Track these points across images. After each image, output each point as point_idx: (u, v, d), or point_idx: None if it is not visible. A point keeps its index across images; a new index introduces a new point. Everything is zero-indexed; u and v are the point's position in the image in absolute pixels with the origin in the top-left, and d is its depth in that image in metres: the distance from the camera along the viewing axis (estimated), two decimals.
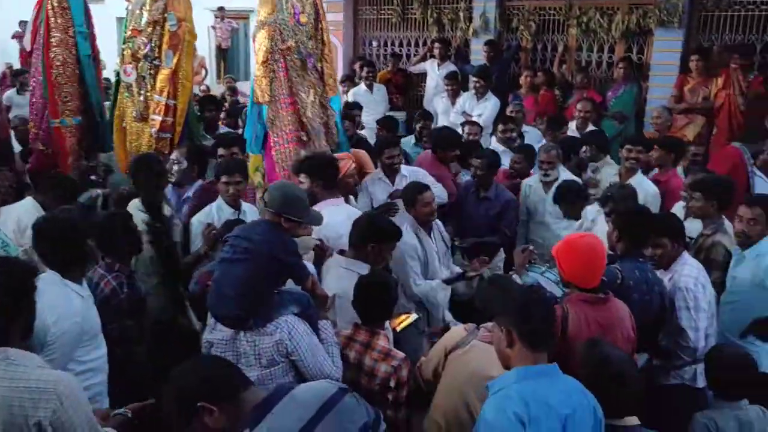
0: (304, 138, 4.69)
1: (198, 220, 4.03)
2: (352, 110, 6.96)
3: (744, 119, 6.79)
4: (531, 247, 3.75)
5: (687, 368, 3.35)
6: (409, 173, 5.00)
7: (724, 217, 4.03)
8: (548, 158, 5.10)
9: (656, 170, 5.31)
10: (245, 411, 1.84)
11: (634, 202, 4.02)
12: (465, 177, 5.41)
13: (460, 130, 6.45)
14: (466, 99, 7.64)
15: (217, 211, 4.03)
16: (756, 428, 2.73)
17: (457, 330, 2.82)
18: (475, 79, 7.53)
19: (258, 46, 4.60)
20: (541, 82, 7.92)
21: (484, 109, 7.40)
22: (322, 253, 3.53)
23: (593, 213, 4.37)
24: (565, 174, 5.16)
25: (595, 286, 2.88)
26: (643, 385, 3.20)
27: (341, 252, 3.45)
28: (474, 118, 7.30)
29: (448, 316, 4.08)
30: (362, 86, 8.41)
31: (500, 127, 6.25)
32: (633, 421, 2.35)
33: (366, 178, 5.08)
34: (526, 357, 2.17)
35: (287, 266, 2.82)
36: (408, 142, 6.58)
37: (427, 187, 4.17)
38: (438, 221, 4.32)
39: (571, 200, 4.61)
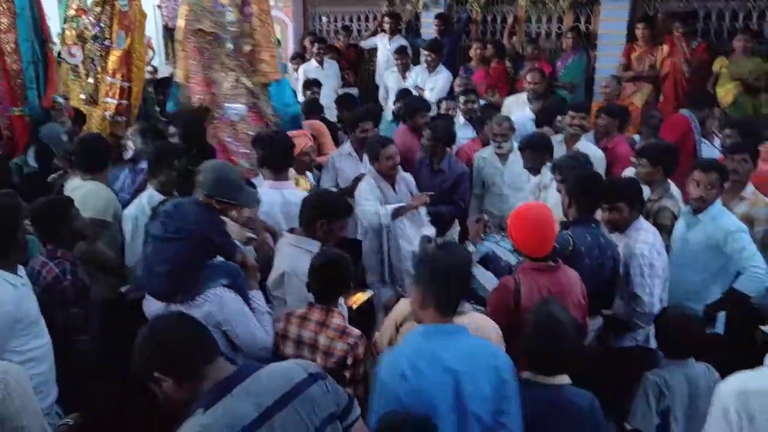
0: (231, 119, 4.68)
1: (129, 214, 3.81)
2: (311, 87, 6.87)
3: (689, 86, 6.92)
4: (485, 217, 3.76)
5: (640, 330, 3.42)
6: None
7: (670, 181, 4.12)
8: (501, 130, 5.08)
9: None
10: (206, 386, 1.74)
11: (583, 167, 3.99)
12: None
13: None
14: (417, 73, 7.61)
15: (148, 201, 3.76)
16: (702, 384, 2.81)
17: (404, 303, 2.80)
18: (426, 52, 7.50)
19: (178, 25, 4.63)
20: (491, 54, 7.91)
21: (436, 82, 7.39)
22: (257, 241, 3.51)
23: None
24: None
25: (545, 254, 2.91)
26: (588, 349, 3.28)
27: (291, 230, 3.41)
28: (426, 92, 7.29)
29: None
30: (313, 62, 8.28)
31: (462, 98, 6.19)
32: (564, 380, 2.41)
33: (332, 154, 5.03)
34: (435, 318, 2.26)
35: (217, 245, 2.90)
36: (385, 118, 6.50)
37: (390, 141, 4.33)
38: (406, 174, 4.47)
39: (536, 148, 4.60)
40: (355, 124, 5.01)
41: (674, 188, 4.12)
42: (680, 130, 5.31)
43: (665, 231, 3.77)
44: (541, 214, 2.96)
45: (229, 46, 4.65)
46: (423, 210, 4.42)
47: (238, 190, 2.96)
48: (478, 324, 2.66)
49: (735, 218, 3.62)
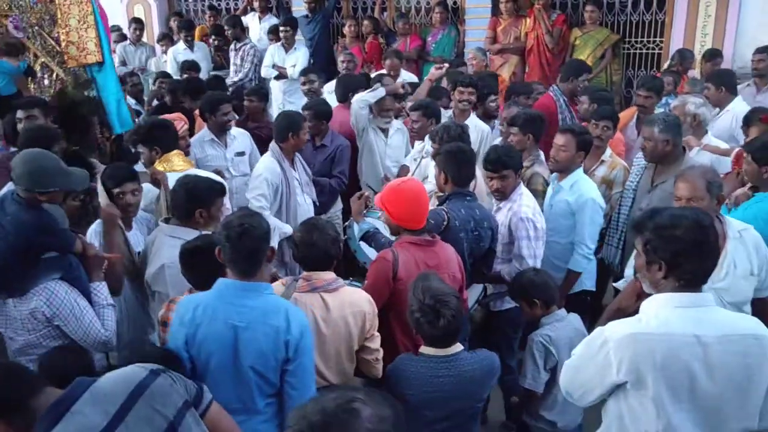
0: None
1: None
2: (188, 71, 6.59)
3: (553, 57, 7.31)
4: (366, 193, 3.77)
5: None
6: (237, 134, 4.89)
7: (540, 149, 4.34)
8: (388, 105, 5.09)
9: None
10: (39, 416, 1.67)
11: (458, 140, 3.95)
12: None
13: (272, 84, 6.75)
14: (274, 51, 7.53)
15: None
16: (580, 331, 3.00)
17: (276, 286, 2.74)
18: (283, 28, 7.42)
19: None
20: (369, 31, 7.97)
21: (297, 59, 7.35)
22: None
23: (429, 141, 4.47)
24: (399, 123, 5.23)
25: (421, 227, 2.98)
26: (472, 315, 3.42)
27: (166, 220, 3.28)
28: (288, 70, 7.24)
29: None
30: (181, 45, 7.93)
31: (301, 79, 6.11)
32: (458, 347, 2.51)
33: (191, 140, 4.85)
34: (233, 277, 2.36)
35: (44, 244, 2.75)
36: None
37: (305, 119, 4.43)
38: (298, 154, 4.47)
39: (425, 112, 4.65)
40: (215, 107, 4.73)
41: (543, 155, 4.35)
42: (546, 111, 5.56)
43: (538, 196, 3.97)
44: (414, 186, 3.03)
45: (15, 26, 4.39)
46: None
47: (58, 176, 2.76)
48: (349, 298, 2.68)
49: (593, 188, 3.82)
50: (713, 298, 2.00)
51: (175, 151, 3.95)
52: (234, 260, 2.32)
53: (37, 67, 4.49)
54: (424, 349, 2.53)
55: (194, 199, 3.14)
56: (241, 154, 4.84)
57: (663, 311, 1.93)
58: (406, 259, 2.89)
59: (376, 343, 2.77)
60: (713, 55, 6.38)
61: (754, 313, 2.70)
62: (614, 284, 2.94)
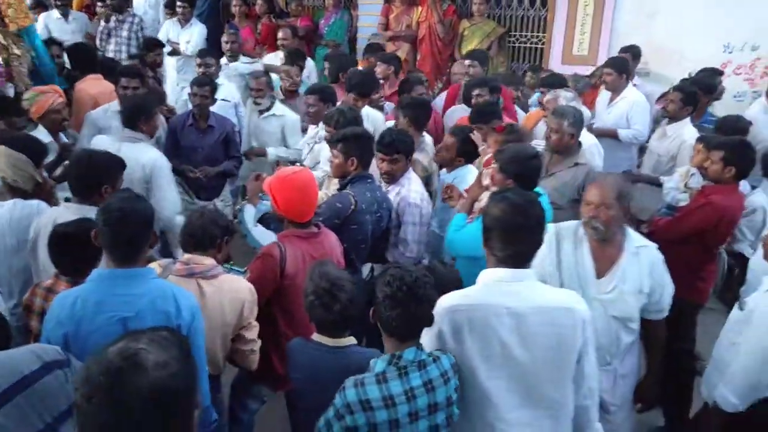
0: None
1: None
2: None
3: (444, 46, 7.47)
4: (264, 175, 3.66)
5: None
6: None
7: (426, 135, 4.42)
8: (258, 85, 5.04)
9: None
10: None
11: (354, 124, 3.93)
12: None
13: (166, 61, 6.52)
14: (169, 27, 7.28)
15: None
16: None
17: (153, 267, 2.59)
18: (180, 4, 7.17)
19: None
20: (262, 11, 7.78)
21: (191, 35, 7.12)
22: None
23: None
24: (284, 110, 5.14)
25: (307, 220, 2.92)
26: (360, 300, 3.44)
27: (67, 199, 3.04)
28: (182, 46, 7.00)
29: None
30: (55, 13, 7.39)
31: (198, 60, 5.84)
32: (349, 341, 2.45)
33: (93, 111, 4.57)
34: (110, 266, 2.21)
35: None
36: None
37: (157, 103, 4.23)
38: None
39: (321, 96, 4.63)
40: (117, 78, 4.65)
41: (428, 142, 4.42)
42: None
43: None
44: (304, 178, 2.92)
45: None
46: None
47: None
48: (228, 286, 2.62)
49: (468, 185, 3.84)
50: (534, 273, 2.11)
51: None
52: (112, 246, 2.16)
53: None
54: (316, 336, 2.46)
55: (101, 174, 2.94)
56: None
57: (482, 285, 2.09)
58: (293, 254, 2.80)
59: (252, 333, 2.70)
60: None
61: (644, 334, 2.84)
62: None
